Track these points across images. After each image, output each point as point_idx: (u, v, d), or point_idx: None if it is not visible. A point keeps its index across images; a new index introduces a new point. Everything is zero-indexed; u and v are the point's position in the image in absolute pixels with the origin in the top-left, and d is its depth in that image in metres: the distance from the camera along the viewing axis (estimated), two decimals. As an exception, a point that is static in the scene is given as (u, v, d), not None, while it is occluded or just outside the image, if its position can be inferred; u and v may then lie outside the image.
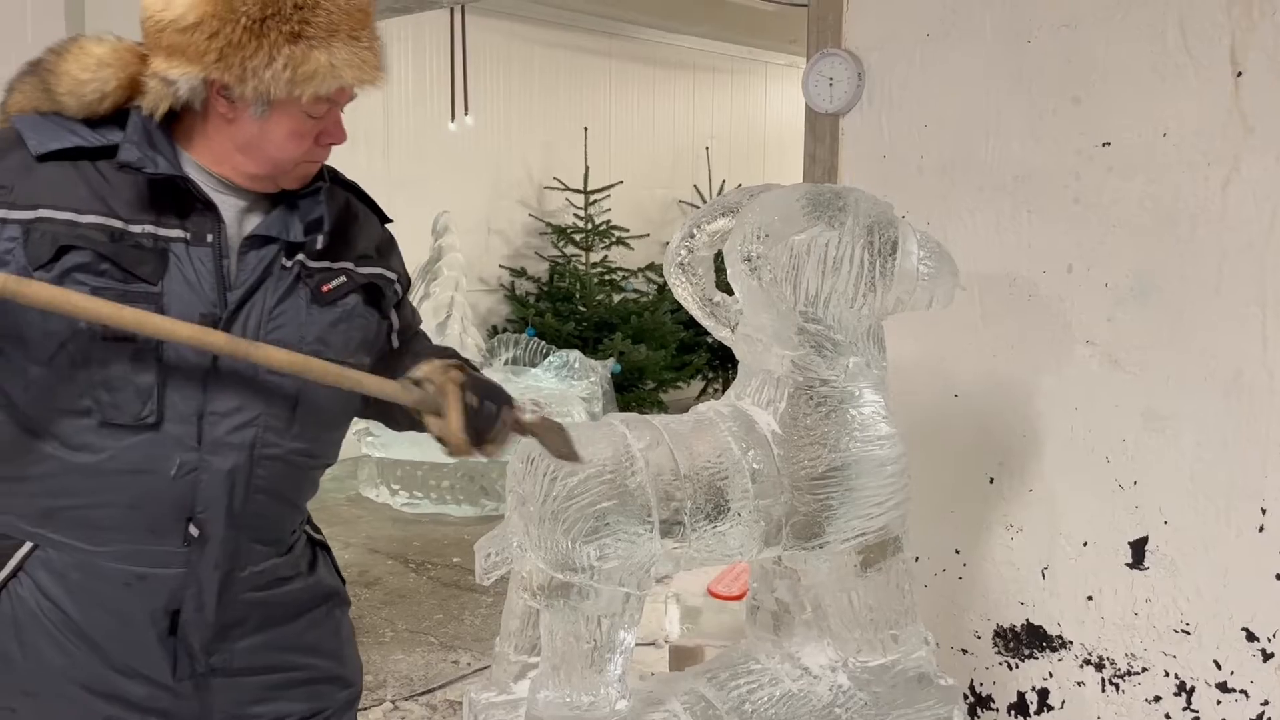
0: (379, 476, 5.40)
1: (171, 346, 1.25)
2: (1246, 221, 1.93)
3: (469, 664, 3.55)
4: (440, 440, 1.33)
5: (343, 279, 1.38)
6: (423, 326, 1.63)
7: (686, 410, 1.66)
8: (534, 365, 6.13)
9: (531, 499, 1.45)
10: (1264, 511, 1.96)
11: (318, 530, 1.55)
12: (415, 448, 5.10)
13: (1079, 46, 2.07)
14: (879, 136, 2.33)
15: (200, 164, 1.31)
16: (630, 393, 6.63)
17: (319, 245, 1.36)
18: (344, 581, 1.58)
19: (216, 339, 1.21)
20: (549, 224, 7.18)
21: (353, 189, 1.50)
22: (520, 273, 7.12)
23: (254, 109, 1.25)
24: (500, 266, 7.14)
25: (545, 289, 7.11)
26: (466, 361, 1.47)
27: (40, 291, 1.14)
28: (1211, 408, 1.99)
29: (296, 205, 1.35)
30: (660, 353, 6.76)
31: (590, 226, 7.08)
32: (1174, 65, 1.98)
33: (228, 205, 1.32)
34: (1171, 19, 1.97)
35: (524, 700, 1.56)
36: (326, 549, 1.56)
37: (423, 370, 1.36)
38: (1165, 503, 2.06)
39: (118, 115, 1.29)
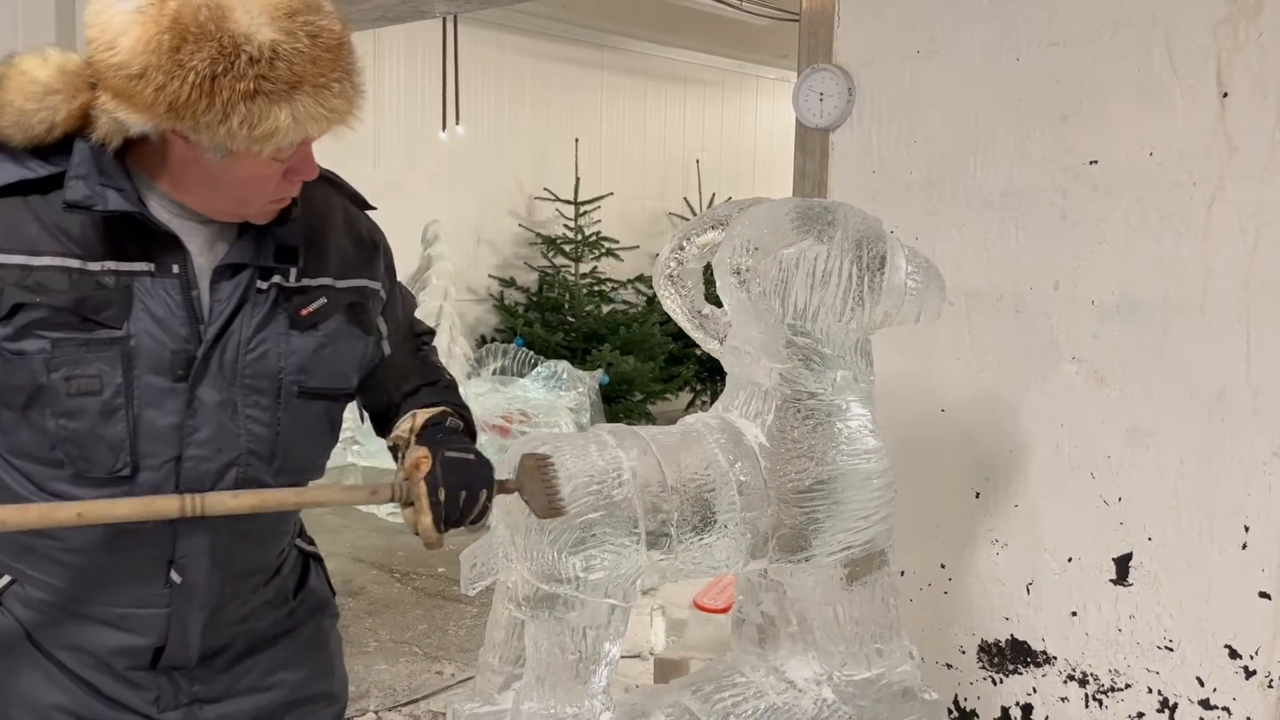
0: (365, 485, 5.37)
1: (142, 396, 1.19)
2: (1230, 241, 1.95)
3: (453, 674, 3.53)
4: (414, 534, 1.24)
5: (323, 300, 1.29)
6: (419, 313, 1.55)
7: (674, 422, 1.66)
8: (522, 375, 6.12)
9: (518, 509, 1.45)
10: (1247, 529, 1.97)
11: (310, 542, 1.50)
12: (402, 457, 5.06)
13: (1067, 65, 2.09)
14: (868, 152, 2.34)
15: (162, 190, 1.22)
16: (618, 404, 6.62)
17: (292, 279, 1.28)
18: (334, 592, 1.54)
19: (166, 506, 1.12)
20: (539, 234, 7.18)
21: (329, 180, 1.37)
22: (509, 283, 7.11)
23: (212, 154, 1.14)
24: (489, 276, 7.14)
25: (534, 299, 7.11)
26: (456, 410, 1.40)
27: None
28: (1195, 425, 2.01)
29: (269, 228, 1.26)
30: (649, 364, 6.76)
31: (580, 237, 7.08)
32: (1160, 85, 2.00)
33: (193, 233, 1.23)
34: (1158, 40, 1.99)
35: (508, 711, 1.56)
36: (319, 560, 1.51)
37: (402, 433, 1.31)
38: (1149, 519, 2.07)
39: (67, 141, 1.18)
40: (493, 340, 6.84)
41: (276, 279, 1.26)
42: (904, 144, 2.29)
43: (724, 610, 2.52)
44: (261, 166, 1.17)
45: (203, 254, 1.24)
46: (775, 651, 1.70)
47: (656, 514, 1.47)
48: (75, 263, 1.16)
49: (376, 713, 3.22)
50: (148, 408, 1.19)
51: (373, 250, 1.40)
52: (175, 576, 1.26)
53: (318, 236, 1.32)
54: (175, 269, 1.20)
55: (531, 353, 6.36)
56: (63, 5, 4.08)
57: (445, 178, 6.66)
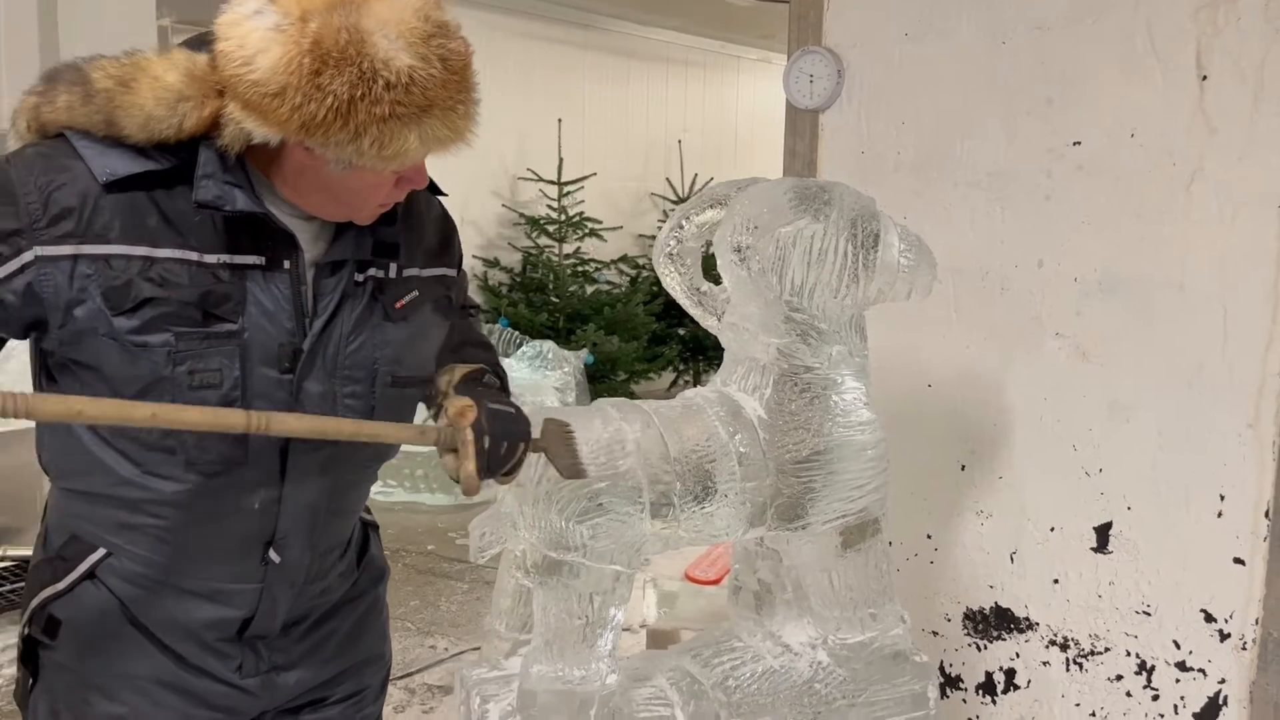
0: (352, 465, 5.39)
1: (255, 388, 1.22)
2: (1209, 220, 2.01)
3: (446, 649, 3.59)
4: (454, 479, 1.28)
5: (414, 293, 1.35)
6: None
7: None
8: (507, 356, 6.14)
9: (527, 480, 1.49)
10: (1223, 498, 2.04)
11: (368, 510, 1.55)
12: (389, 436, 5.09)
13: (1052, 49, 2.14)
14: (858, 133, 2.38)
15: (277, 189, 1.25)
16: (602, 383, 6.66)
17: (391, 273, 1.32)
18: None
19: (234, 419, 1.11)
20: (522, 215, 7.20)
21: None
22: (493, 263, 7.13)
23: (333, 165, 1.17)
24: (473, 257, 7.14)
25: (518, 280, 7.13)
26: (493, 369, 1.44)
27: (47, 405, 1.07)
28: (1174, 399, 2.07)
29: (370, 225, 1.30)
30: (632, 344, 6.79)
31: (564, 218, 7.10)
32: (1142, 68, 2.05)
33: (301, 229, 1.27)
34: (1140, 24, 2.04)
35: (516, 675, 1.61)
36: (376, 528, 1.57)
37: (440, 385, 1.34)
38: (1129, 489, 2.14)
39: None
40: (477, 321, 6.86)
41: (374, 272, 1.30)
42: (892, 125, 2.34)
43: (715, 582, 2.57)
44: (379, 177, 1.21)
45: (308, 249, 1.27)
46: (772, 617, 1.76)
47: (659, 484, 1.52)
48: (193, 255, 1.19)
49: (372, 686, 3.26)
50: (259, 399, 1.23)
51: (449, 238, 1.47)
52: (274, 556, 1.31)
53: (410, 229, 1.36)
54: (286, 264, 1.23)
55: (516, 333, 6.39)
56: (45, 2, 4.05)
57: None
